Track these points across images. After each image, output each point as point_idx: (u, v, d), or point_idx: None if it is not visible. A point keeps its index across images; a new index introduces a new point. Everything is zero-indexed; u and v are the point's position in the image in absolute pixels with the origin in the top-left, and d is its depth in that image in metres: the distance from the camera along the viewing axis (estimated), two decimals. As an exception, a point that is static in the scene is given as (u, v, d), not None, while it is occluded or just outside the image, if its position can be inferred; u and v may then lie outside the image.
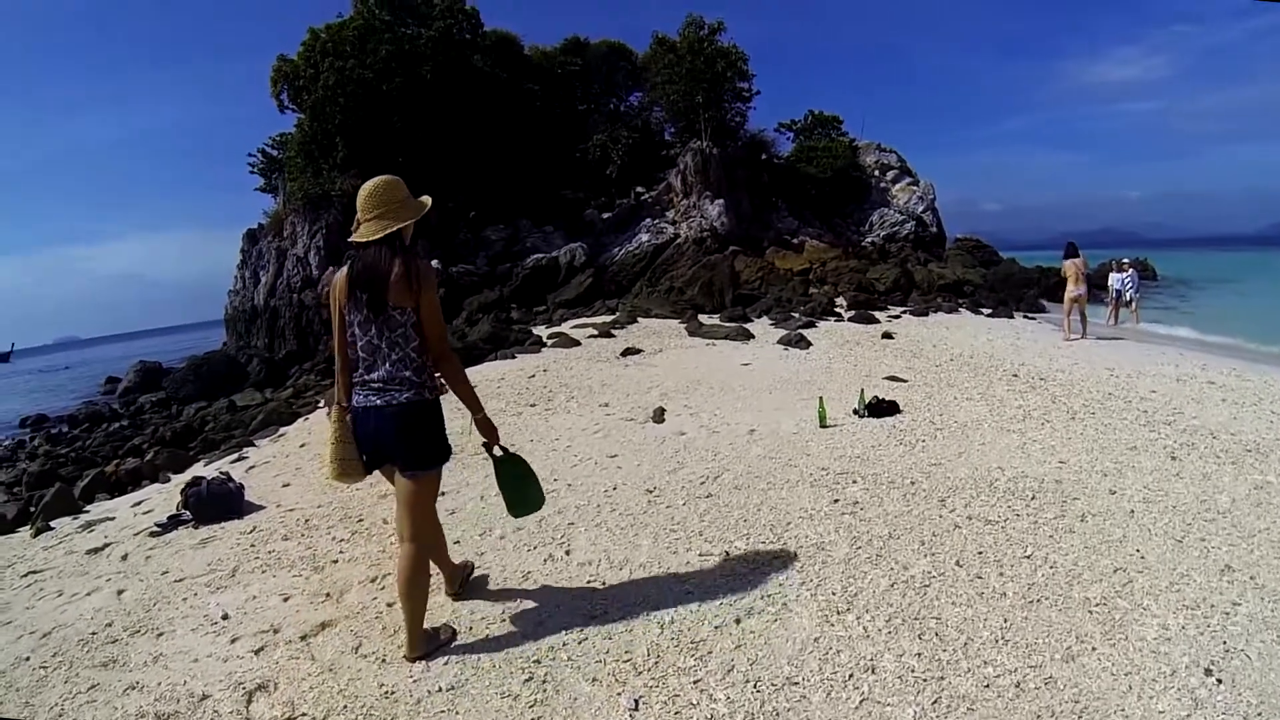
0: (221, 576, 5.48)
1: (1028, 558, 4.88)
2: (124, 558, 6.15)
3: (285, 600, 4.98)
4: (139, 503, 8.21)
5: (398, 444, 4.01)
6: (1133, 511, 5.65)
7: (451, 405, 4.15)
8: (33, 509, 9.70)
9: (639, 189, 40.50)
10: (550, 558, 5.34)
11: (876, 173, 44.43)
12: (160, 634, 4.63)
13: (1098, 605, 4.24)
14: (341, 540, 6.06)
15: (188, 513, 6.93)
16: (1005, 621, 4.08)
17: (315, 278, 35.69)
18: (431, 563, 4.44)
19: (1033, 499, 5.97)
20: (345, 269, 4.03)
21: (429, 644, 4.17)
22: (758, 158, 42.21)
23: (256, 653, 4.28)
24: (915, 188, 43.51)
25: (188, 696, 3.87)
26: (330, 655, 4.20)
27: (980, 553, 4.98)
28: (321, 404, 13.91)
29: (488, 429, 4.29)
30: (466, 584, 4.98)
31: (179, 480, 8.78)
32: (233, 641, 4.44)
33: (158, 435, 18.62)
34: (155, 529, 6.73)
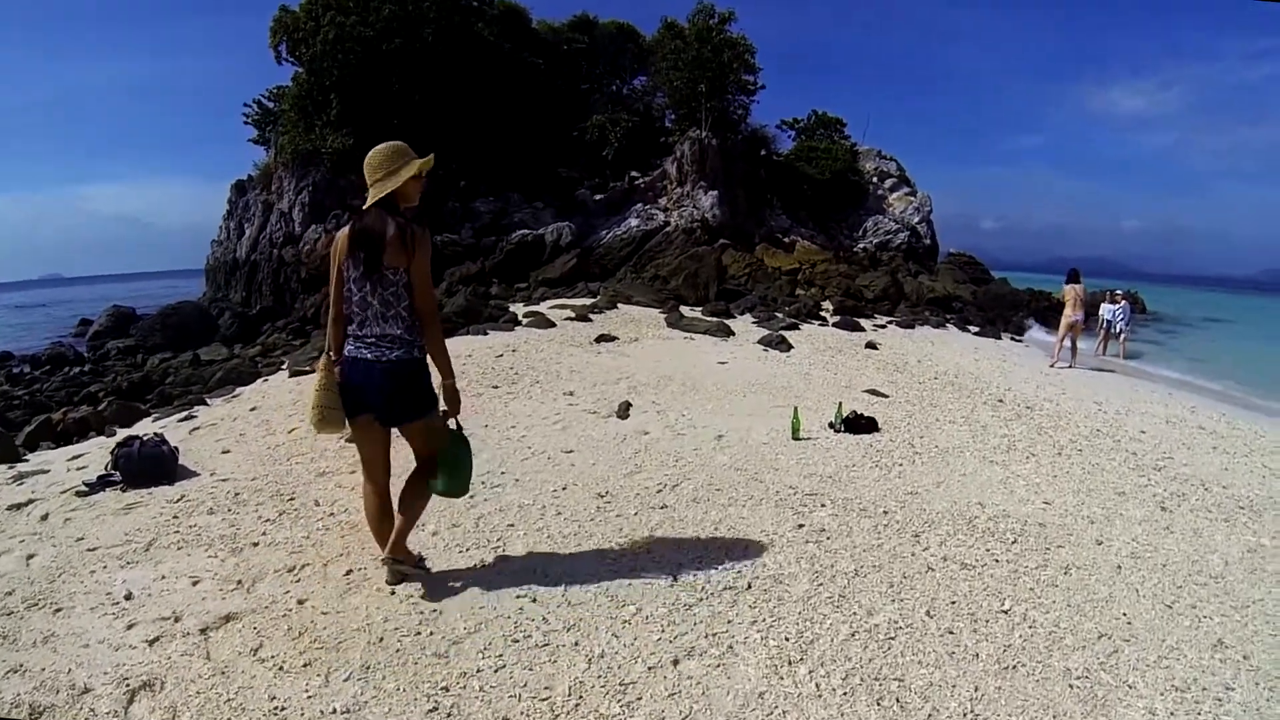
0: (136, 549, 5.08)
1: (1005, 613, 4.41)
2: (44, 518, 5.75)
3: (194, 584, 4.57)
4: (77, 456, 7.82)
5: (389, 400, 4.22)
6: (1120, 567, 5.22)
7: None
8: (-28, 454, 9.24)
9: (634, 173, 40.14)
10: (482, 563, 4.88)
11: (875, 179, 44.23)
12: (58, 610, 4.28)
13: (1079, 678, 3.79)
14: (267, 520, 5.63)
15: (118, 474, 6.47)
16: (976, 690, 3.61)
17: (297, 234, 35.30)
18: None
19: (1014, 543, 5.51)
20: (348, 226, 4.24)
21: (411, 560, 4.59)
22: (757, 153, 41.89)
23: (151, 643, 3.90)
24: (912, 198, 43.33)
25: (68, 688, 3.50)
26: (227, 655, 3.81)
27: (953, 602, 4.51)
28: (285, 365, 13.57)
29: (453, 398, 4.36)
30: (404, 571, 4.66)
31: (126, 435, 8.34)
32: (129, 627, 4.05)
33: (115, 384, 18.11)
34: (83, 488, 6.30)
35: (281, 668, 3.69)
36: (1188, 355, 24.57)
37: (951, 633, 4.14)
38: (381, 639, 3.94)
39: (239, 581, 4.59)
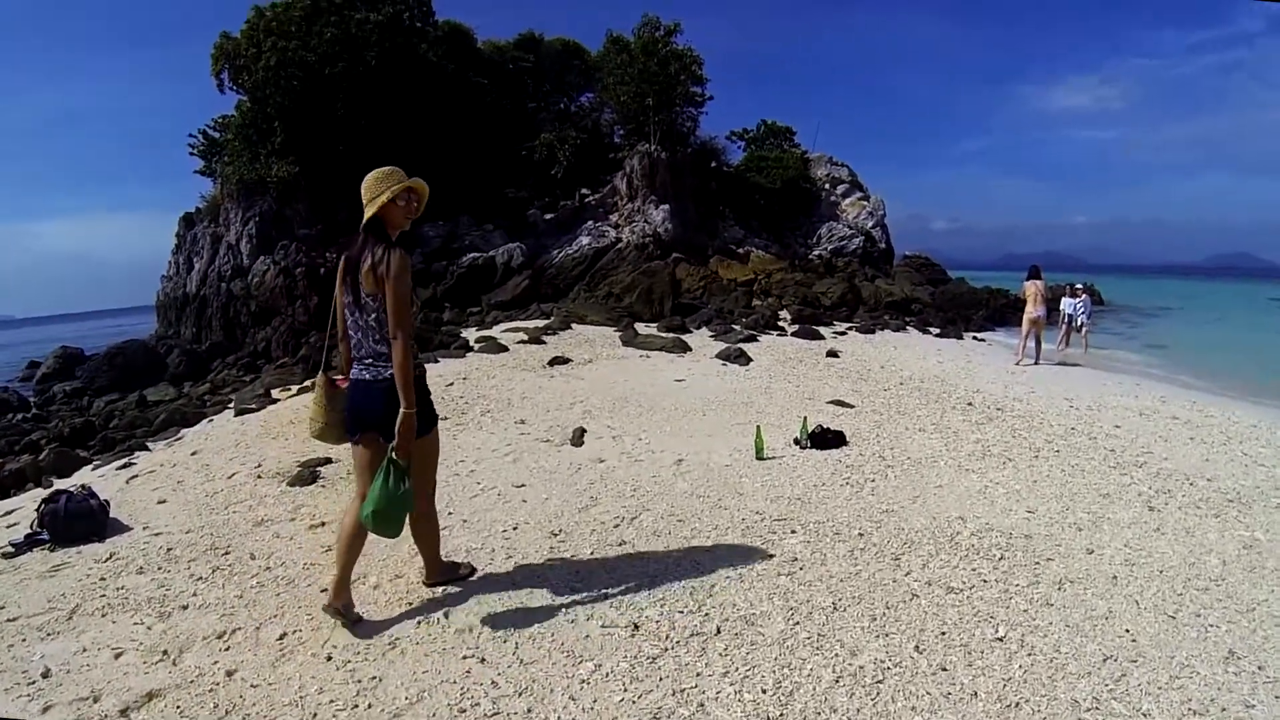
0: (58, 618, 4.64)
1: (1000, 640, 4.02)
2: None
3: (117, 657, 4.13)
4: (9, 513, 7.31)
5: (388, 419, 4.13)
6: (1115, 577, 4.87)
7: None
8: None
9: (584, 191, 39.88)
10: (426, 619, 4.40)
11: (827, 186, 44.21)
12: None
13: (1089, 710, 3.43)
14: (199, 579, 5.18)
15: (45, 532, 6.03)
16: (979, 736, 3.22)
17: (245, 267, 34.79)
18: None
19: (1001, 559, 5.12)
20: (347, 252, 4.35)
21: (447, 573, 4.91)
22: (707, 165, 41.79)
23: (66, 730, 3.46)
24: (865, 203, 43.32)
25: (-24, 791, 3.03)
26: (146, 741, 3.36)
27: (943, 633, 4.10)
28: (232, 404, 13.15)
29: (407, 428, 4.11)
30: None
31: (53, 490, 7.78)
32: (44, 710, 3.67)
33: (57, 431, 17.47)
34: (9, 549, 5.85)
35: (203, 759, 3.25)
36: (1148, 344, 24.77)
37: (945, 669, 3.74)
38: (315, 715, 3.52)
39: (165, 652, 4.17)
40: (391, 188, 4.23)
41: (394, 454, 4.12)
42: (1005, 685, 3.61)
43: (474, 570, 5.07)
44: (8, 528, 6.62)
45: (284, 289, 32.59)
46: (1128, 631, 4.14)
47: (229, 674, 3.90)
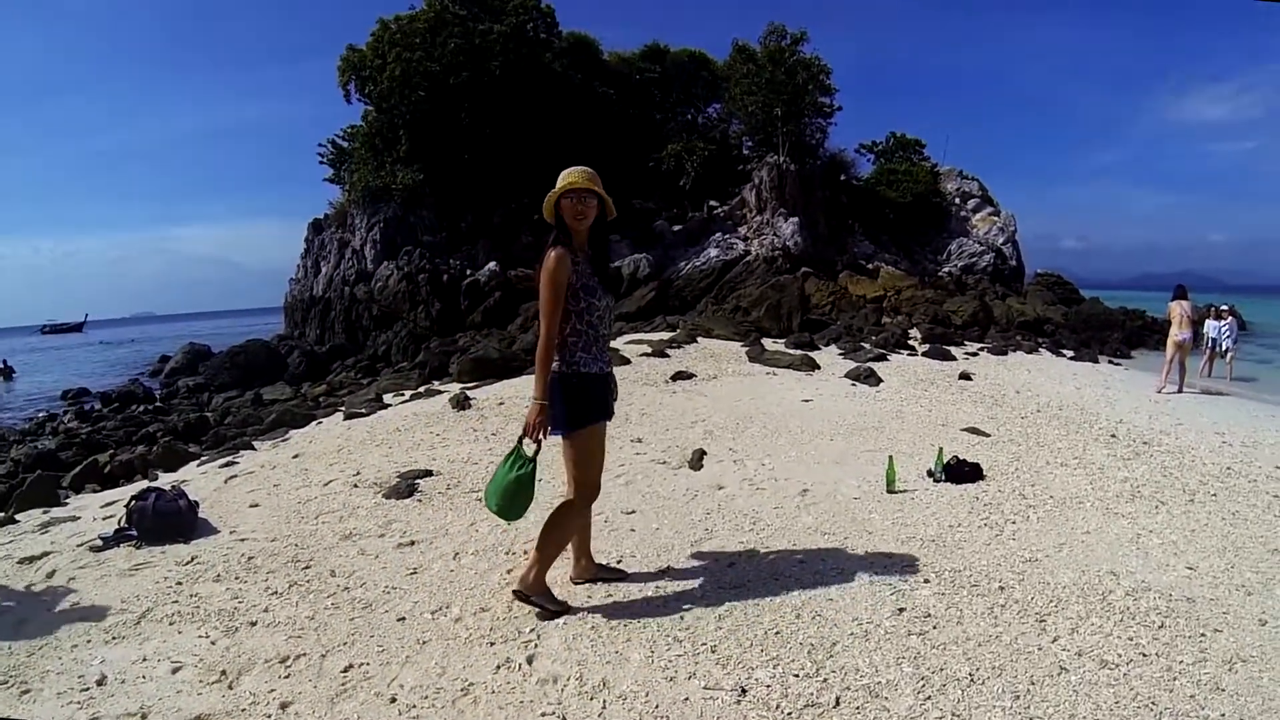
0: (127, 621, 4.69)
1: (1165, 735, 3.40)
2: (50, 575, 5.49)
3: (174, 671, 4.06)
4: (109, 504, 7.50)
5: (555, 409, 4.43)
6: (1295, 656, 4.15)
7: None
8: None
9: (712, 202, 39.69)
10: (507, 663, 4.02)
11: (957, 200, 43.42)
12: (25, 692, 3.90)
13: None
14: (274, 593, 5.05)
15: (134, 529, 6.11)
16: None
17: (369, 271, 35.70)
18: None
19: (1160, 627, 4.44)
20: None
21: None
22: (836, 178, 41.41)
23: (105, 745, 3.43)
24: (996, 218, 42.40)
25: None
26: (184, 773, 3.16)
27: (1097, 721, 3.48)
28: (343, 407, 13.33)
29: (531, 418, 4.35)
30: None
31: (167, 480, 8.35)
32: None
33: (172, 425, 17.94)
34: (98, 543, 6.04)
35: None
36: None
37: (1101, 771, 3.18)
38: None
39: (223, 672, 4.04)
40: (552, 193, 4.54)
41: (522, 445, 4.45)
42: (1173, 797, 3.05)
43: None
44: (105, 519, 6.73)
45: (406, 294, 33.30)
46: (1318, 728, 3.48)
47: (283, 706, 3.71)
